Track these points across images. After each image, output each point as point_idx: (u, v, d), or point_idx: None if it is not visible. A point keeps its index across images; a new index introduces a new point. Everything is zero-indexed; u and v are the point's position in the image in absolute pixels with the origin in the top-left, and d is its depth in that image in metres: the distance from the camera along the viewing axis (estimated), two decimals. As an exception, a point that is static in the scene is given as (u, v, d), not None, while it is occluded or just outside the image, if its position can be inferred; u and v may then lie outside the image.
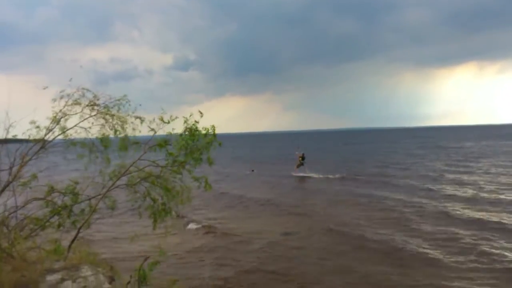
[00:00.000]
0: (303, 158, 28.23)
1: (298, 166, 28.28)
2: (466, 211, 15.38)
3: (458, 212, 15.15)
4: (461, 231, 12.44)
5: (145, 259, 5.30)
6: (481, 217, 14.25)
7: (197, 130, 5.42)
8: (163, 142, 5.48)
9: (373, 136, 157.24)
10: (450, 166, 31.33)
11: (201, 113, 5.36)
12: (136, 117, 5.37)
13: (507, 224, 13.16)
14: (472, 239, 11.61)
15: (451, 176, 25.58)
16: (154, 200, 5.67)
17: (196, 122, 5.45)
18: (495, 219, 13.91)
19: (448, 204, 16.69)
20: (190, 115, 5.41)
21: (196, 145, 5.40)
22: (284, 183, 25.94)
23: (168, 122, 5.42)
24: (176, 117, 5.37)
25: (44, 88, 5.49)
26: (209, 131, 5.42)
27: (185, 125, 5.41)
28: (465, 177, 24.72)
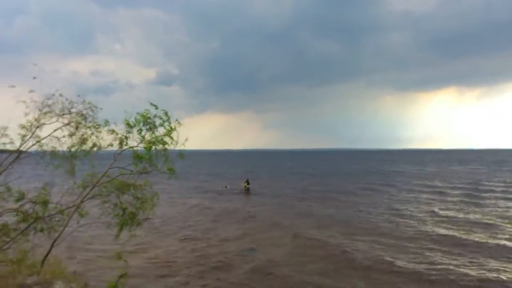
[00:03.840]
0: (248, 183, 31.89)
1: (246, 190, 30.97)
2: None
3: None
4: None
5: (120, 276, 5.08)
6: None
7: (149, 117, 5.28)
8: (124, 138, 5.32)
9: (346, 156, 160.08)
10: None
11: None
12: (110, 131, 5.21)
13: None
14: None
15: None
16: (123, 209, 5.50)
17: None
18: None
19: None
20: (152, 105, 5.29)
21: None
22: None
23: (134, 125, 5.25)
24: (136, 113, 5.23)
25: (10, 87, 5.23)
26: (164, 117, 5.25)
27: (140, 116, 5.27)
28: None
